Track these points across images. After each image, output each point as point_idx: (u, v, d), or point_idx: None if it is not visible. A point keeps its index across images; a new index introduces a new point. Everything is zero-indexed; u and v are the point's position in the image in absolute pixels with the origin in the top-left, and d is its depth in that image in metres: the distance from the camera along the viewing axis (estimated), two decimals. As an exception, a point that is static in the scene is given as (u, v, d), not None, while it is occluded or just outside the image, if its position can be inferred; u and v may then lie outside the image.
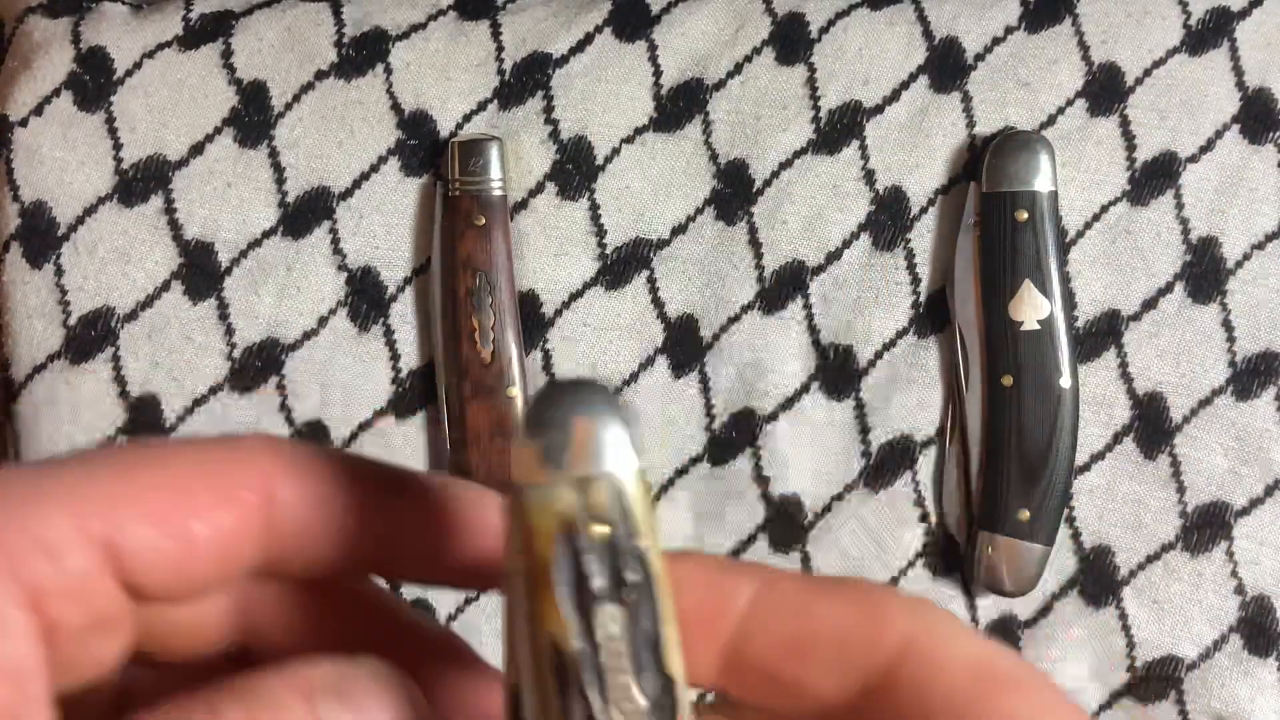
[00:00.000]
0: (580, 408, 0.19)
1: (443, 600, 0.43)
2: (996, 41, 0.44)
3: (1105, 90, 0.44)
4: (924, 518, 0.44)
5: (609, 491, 0.19)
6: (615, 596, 0.19)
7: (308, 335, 0.43)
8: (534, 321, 0.43)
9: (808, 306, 0.44)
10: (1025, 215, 0.42)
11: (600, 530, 0.19)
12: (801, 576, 0.21)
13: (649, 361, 0.44)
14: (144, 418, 0.43)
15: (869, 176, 0.44)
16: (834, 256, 0.44)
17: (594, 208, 0.44)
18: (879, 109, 0.44)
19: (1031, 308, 0.42)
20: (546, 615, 0.19)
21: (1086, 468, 0.44)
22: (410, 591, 0.43)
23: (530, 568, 0.19)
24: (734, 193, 0.44)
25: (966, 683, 0.20)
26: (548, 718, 0.19)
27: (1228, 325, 0.43)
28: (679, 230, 0.44)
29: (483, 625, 0.43)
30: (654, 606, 0.19)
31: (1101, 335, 0.43)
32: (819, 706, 0.21)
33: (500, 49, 0.44)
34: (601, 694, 0.19)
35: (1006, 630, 0.44)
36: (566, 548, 0.19)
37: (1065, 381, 0.42)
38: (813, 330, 0.44)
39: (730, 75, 0.44)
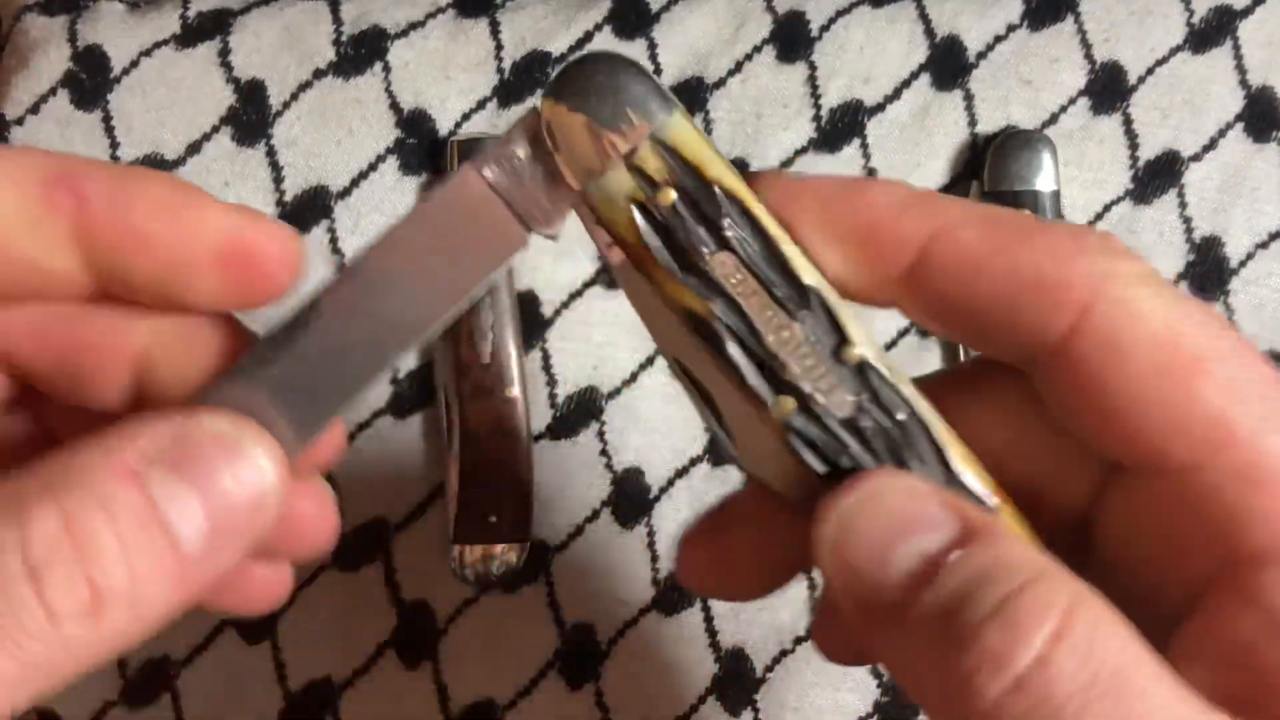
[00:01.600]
0: (602, 76, 0.19)
1: (441, 601, 0.43)
2: (998, 39, 0.43)
3: (1108, 89, 0.43)
4: (926, 518, 0.44)
5: (657, 153, 0.19)
6: (719, 242, 0.19)
7: (306, 335, 0.43)
8: (533, 321, 0.43)
9: (809, 306, 0.43)
10: (1027, 214, 0.42)
11: (669, 194, 0.19)
12: (987, 224, 0.20)
13: (649, 361, 0.43)
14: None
15: (870, 175, 0.43)
16: (835, 256, 0.43)
17: (594, 207, 0.43)
18: (880, 107, 0.43)
19: (1034, 307, 0.42)
20: (667, 291, 0.19)
21: (1089, 468, 0.43)
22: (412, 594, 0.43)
23: (630, 258, 0.19)
24: (734, 191, 0.43)
25: (1147, 365, 0.19)
26: (716, 385, 0.19)
27: (1231, 325, 0.43)
28: (679, 229, 0.43)
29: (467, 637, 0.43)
30: (756, 231, 0.19)
31: (1104, 335, 0.43)
32: (1003, 351, 0.20)
33: (499, 47, 0.43)
34: (754, 334, 0.19)
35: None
36: (650, 225, 0.19)
37: (1068, 381, 0.42)
38: (814, 330, 0.43)
39: (731, 73, 0.43)
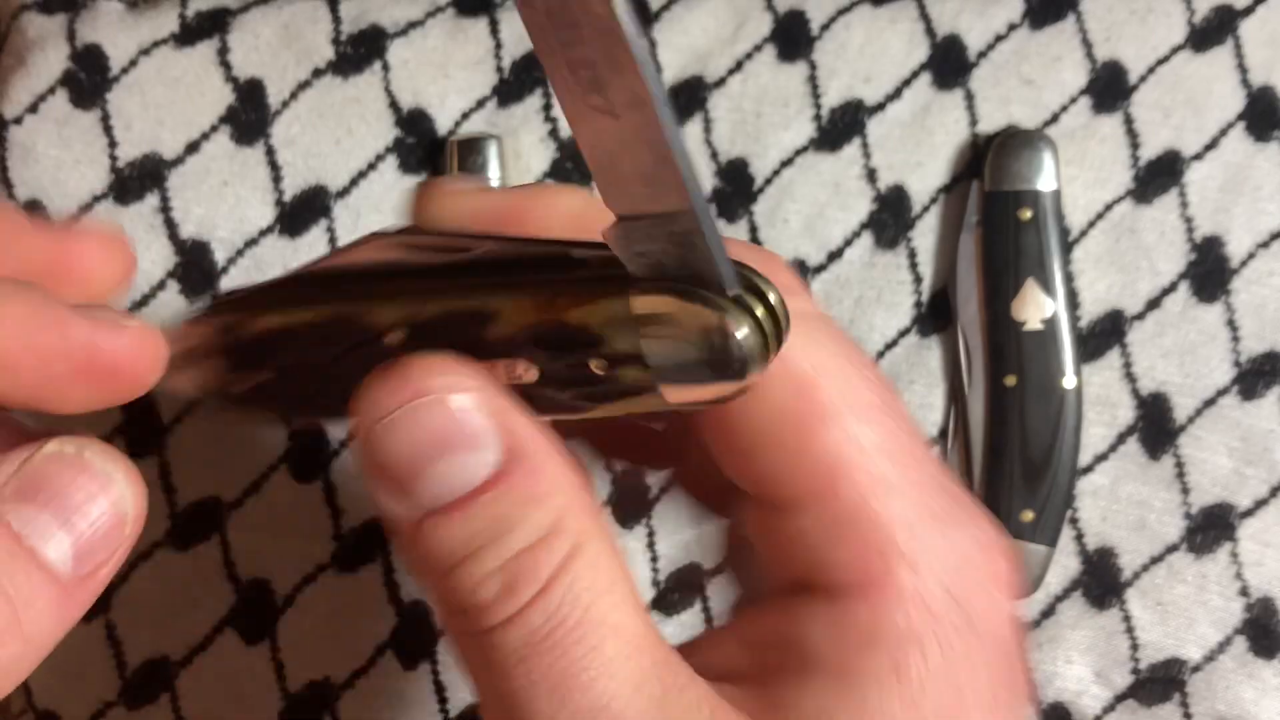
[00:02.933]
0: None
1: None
2: (999, 38, 0.43)
3: (1109, 88, 0.43)
4: (926, 519, 0.44)
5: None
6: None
7: (305, 335, 0.43)
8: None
9: (809, 306, 0.43)
10: (1028, 214, 0.42)
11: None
12: None
13: (649, 361, 0.43)
14: (142, 416, 0.43)
15: (871, 174, 0.43)
16: (835, 255, 0.43)
17: (593, 206, 0.43)
18: (881, 106, 0.43)
19: (1035, 307, 0.42)
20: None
21: (1090, 468, 0.43)
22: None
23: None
24: (734, 191, 0.43)
25: (780, 409, 0.21)
26: None
27: (1232, 325, 0.43)
28: (679, 229, 0.43)
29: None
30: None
31: (1105, 335, 0.43)
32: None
33: (499, 46, 0.43)
34: None
35: (1009, 632, 0.43)
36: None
37: (1069, 381, 0.42)
38: (814, 330, 0.43)
39: (731, 73, 0.43)
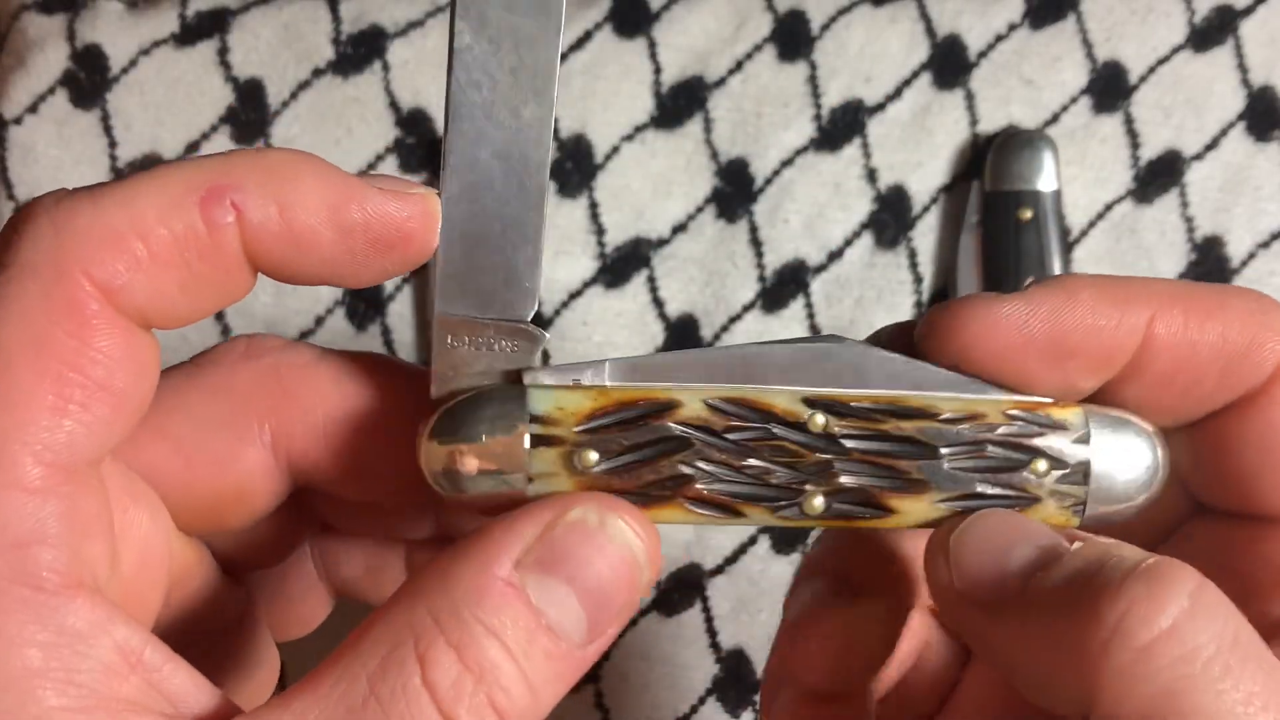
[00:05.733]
0: None
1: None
2: (999, 38, 0.43)
3: (1109, 88, 0.43)
4: (926, 519, 0.43)
5: None
6: None
7: (305, 335, 0.43)
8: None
9: (809, 305, 0.43)
10: (1029, 214, 0.42)
11: None
12: (1189, 299, 0.21)
13: (649, 361, 0.43)
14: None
15: (871, 174, 0.43)
16: (835, 255, 0.43)
17: (593, 206, 0.43)
18: (881, 106, 0.43)
19: (1035, 307, 0.42)
20: None
21: (1090, 468, 0.43)
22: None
23: None
24: (735, 191, 0.43)
25: None
26: None
27: None
28: (679, 229, 0.43)
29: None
30: None
31: (1105, 335, 0.43)
32: (1200, 410, 0.22)
33: (499, 46, 0.43)
34: None
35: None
36: None
37: (1069, 381, 0.42)
38: (814, 329, 0.43)
39: (731, 72, 0.43)
